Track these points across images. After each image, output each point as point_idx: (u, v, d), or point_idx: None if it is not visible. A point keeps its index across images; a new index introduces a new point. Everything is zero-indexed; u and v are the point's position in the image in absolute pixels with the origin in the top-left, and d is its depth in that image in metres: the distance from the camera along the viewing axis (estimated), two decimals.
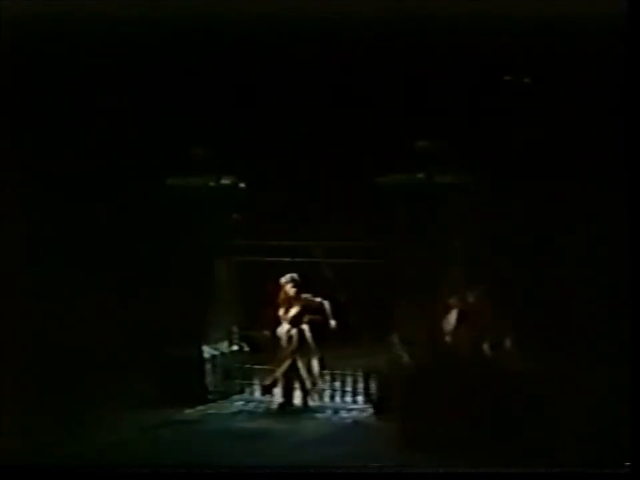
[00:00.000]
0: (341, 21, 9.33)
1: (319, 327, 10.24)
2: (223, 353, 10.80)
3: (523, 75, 10.96)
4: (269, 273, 10.40)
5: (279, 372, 10.20)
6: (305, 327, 10.21)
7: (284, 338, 10.21)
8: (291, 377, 10.26)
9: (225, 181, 10.76)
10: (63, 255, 10.60)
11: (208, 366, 10.53)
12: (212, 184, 10.70)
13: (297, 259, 10.27)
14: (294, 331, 10.19)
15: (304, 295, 10.23)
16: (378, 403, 9.94)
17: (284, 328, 10.23)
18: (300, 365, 10.20)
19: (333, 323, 10.18)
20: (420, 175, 9.75)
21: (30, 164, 10.07)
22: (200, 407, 10.10)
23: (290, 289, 10.21)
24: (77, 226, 10.73)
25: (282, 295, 10.28)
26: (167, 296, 10.47)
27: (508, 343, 9.47)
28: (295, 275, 10.22)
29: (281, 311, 10.28)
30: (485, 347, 9.51)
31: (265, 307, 10.44)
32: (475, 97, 10.80)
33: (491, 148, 10.39)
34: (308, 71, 11.00)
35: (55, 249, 10.51)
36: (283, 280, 10.26)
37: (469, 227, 9.74)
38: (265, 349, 10.77)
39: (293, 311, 10.21)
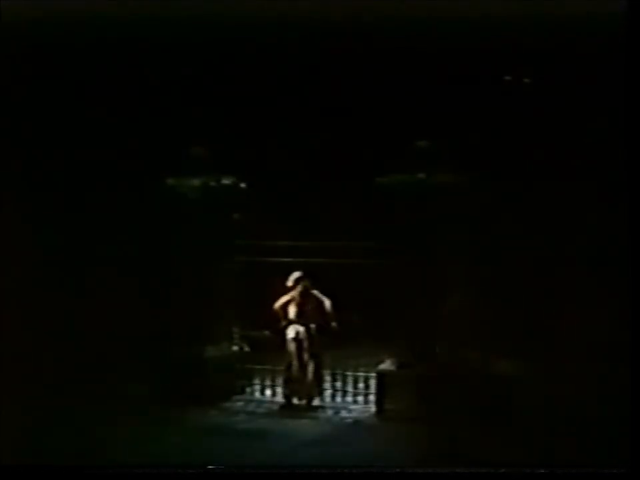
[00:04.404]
0: (341, 21, 9.32)
1: (319, 326, 10.26)
2: (223, 353, 10.80)
3: (523, 75, 10.96)
4: (269, 273, 10.41)
5: (309, 373, 10.21)
6: (313, 325, 10.22)
7: (296, 337, 10.20)
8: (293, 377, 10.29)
9: (225, 181, 10.76)
10: (63, 255, 10.60)
11: (208, 366, 10.52)
12: (212, 184, 10.70)
13: (297, 259, 10.27)
14: (302, 330, 10.19)
15: (312, 293, 10.25)
16: (378, 403, 9.95)
17: (296, 327, 10.22)
18: (310, 364, 10.24)
19: (334, 324, 10.18)
20: (420, 175, 9.75)
21: (29, 163, 10.07)
22: (200, 407, 10.09)
23: (300, 286, 10.21)
24: (76, 226, 10.73)
25: (294, 292, 10.27)
26: (167, 296, 10.48)
27: (507, 343, 9.48)
28: (303, 273, 10.23)
29: (292, 309, 10.27)
30: (484, 348, 9.52)
31: (267, 306, 10.43)
32: (475, 96, 10.79)
33: (491, 148, 10.38)
34: (308, 70, 11.00)
35: (54, 249, 10.51)
36: (294, 276, 10.25)
37: (469, 227, 9.74)
38: (266, 348, 10.78)
39: (306, 307, 10.20)
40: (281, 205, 11.28)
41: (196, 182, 10.64)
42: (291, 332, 10.31)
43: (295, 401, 10.33)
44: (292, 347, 10.28)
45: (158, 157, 10.81)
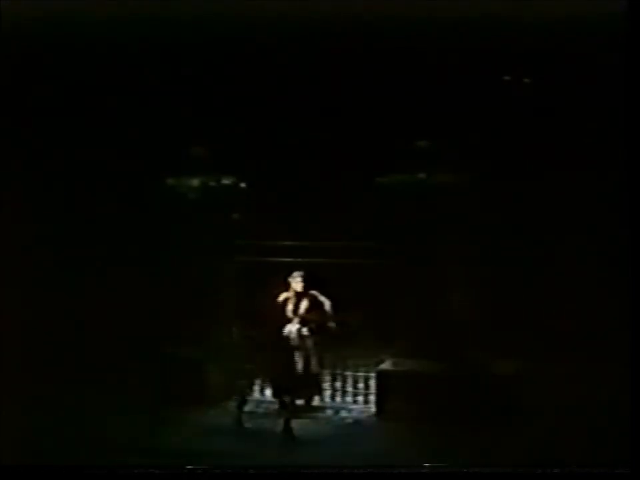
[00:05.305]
0: (341, 21, 9.32)
1: (318, 326, 10.24)
2: (223, 353, 10.79)
3: (523, 75, 10.96)
4: (269, 273, 10.40)
5: (298, 373, 10.17)
6: (313, 325, 10.20)
7: (295, 337, 10.19)
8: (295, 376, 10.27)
9: (225, 181, 10.75)
10: (63, 255, 10.60)
11: (208, 366, 10.51)
12: (212, 184, 10.69)
13: (297, 259, 10.26)
14: (304, 330, 10.17)
15: (310, 292, 10.23)
16: (378, 403, 9.94)
17: (294, 326, 10.20)
18: (312, 363, 10.21)
19: (332, 324, 10.15)
20: (420, 175, 9.75)
21: (29, 163, 10.07)
22: (200, 407, 10.08)
23: (298, 285, 10.20)
24: (76, 226, 10.73)
25: (291, 291, 10.26)
26: (167, 296, 10.47)
27: (507, 343, 9.48)
28: (301, 272, 10.22)
29: (289, 308, 10.26)
30: (485, 347, 9.52)
31: (267, 306, 10.42)
32: (475, 96, 10.79)
33: (491, 148, 10.38)
34: (308, 70, 10.99)
35: (54, 249, 10.51)
36: (292, 275, 10.24)
37: (469, 227, 9.74)
38: (267, 348, 10.76)
39: (302, 307, 10.19)
40: (280, 205, 11.26)
41: (196, 182, 10.63)
42: (285, 331, 10.29)
43: (297, 401, 10.31)
44: (291, 346, 10.26)
45: (158, 157, 10.80)
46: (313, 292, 10.23)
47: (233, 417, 9.73)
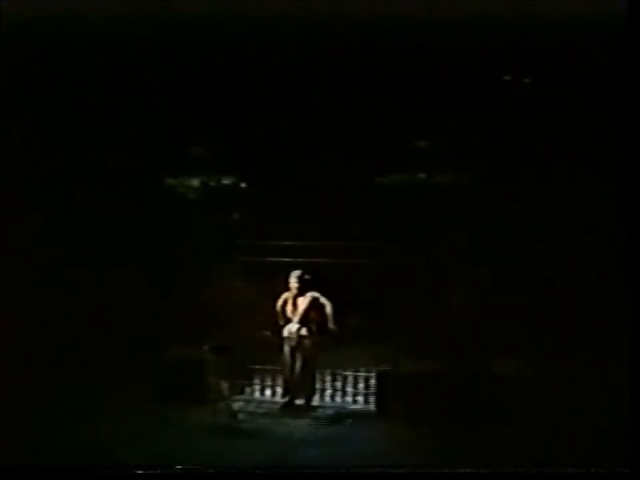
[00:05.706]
0: (341, 21, 9.32)
1: (319, 327, 10.24)
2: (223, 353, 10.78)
3: (523, 75, 10.95)
4: (269, 273, 10.40)
5: (297, 373, 10.17)
6: (312, 325, 10.19)
7: (294, 337, 10.18)
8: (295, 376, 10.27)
9: (225, 181, 10.76)
10: (62, 255, 10.60)
11: (208, 366, 10.51)
12: (212, 184, 10.70)
13: (297, 259, 10.27)
14: (304, 330, 10.16)
15: (311, 293, 10.21)
16: (378, 403, 9.94)
17: (293, 327, 10.20)
18: (311, 363, 10.21)
19: (332, 326, 10.12)
20: (420, 175, 9.76)
21: (29, 163, 10.07)
22: (200, 407, 10.07)
23: (298, 285, 10.19)
24: (76, 226, 10.72)
25: (290, 291, 10.26)
26: (167, 296, 10.47)
27: (507, 343, 9.48)
28: (301, 272, 10.21)
29: (289, 308, 10.26)
30: (485, 347, 9.52)
31: (267, 306, 10.42)
32: (475, 96, 10.78)
33: (491, 148, 10.38)
34: (308, 70, 10.99)
35: (54, 249, 10.50)
36: (291, 275, 10.24)
37: (469, 227, 9.75)
38: (266, 348, 10.77)
39: (302, 307, 10.18)
40: (281, 205, 11.27)
41: (196, 182, 10.64)
42: (284, 331, 10.30)
43: (297, 401, 10.32)
44: (285, 346, 10.27)
45: (158, 157, 10.80)
46: (315, 294, 10.21)
47: (232, 417, 9.73)
